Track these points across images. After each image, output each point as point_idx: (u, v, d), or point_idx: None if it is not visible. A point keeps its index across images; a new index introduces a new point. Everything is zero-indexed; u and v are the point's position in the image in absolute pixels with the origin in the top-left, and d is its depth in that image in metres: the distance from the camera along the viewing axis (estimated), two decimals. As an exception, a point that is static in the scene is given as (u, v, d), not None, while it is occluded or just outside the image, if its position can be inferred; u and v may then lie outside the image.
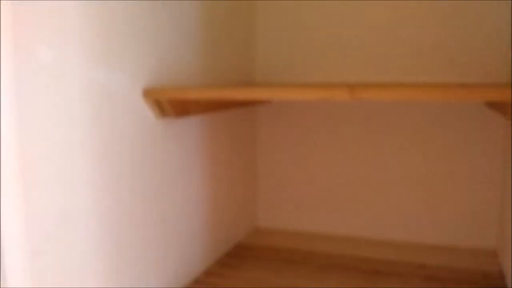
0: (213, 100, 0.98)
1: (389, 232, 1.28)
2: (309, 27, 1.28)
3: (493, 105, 1.08)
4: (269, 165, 1.38)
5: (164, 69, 0.93)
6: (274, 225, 1.40)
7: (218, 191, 1.17)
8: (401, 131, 1.24)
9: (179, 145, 1.00)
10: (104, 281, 0.77)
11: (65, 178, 0.68)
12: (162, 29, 0.92)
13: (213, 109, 1.04)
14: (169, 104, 0.88)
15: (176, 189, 0.98)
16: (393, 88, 0.73)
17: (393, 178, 1.27)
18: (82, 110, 0.71)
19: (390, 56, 1.22)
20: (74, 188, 0.70)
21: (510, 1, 1.10)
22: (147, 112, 0.88)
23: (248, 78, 1.31)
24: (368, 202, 1.30)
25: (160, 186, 0.93)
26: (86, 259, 0.73)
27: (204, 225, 1.11)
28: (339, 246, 1.24)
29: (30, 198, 0.63)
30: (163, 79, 0.92)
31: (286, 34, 1.31)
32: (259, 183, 1.40)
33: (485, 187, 1.19)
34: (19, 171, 0.61)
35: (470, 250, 1.20)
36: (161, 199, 0.93)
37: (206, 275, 1.08)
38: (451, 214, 1.23)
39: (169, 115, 0.90)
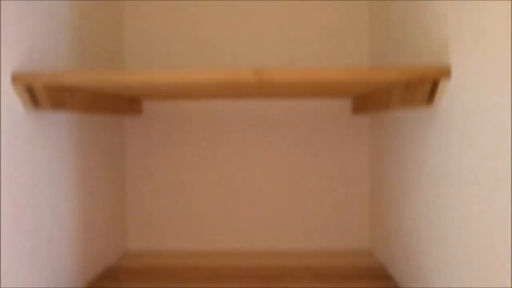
0: (94, 86, 0.88)
1: (269, 243, 1.27)
2: (181, 22, 1.26)
3: (358, 109, 1.16)
4: (139, 184, 1.29)
5: (36, 57, 0.81)
6: (147, 247, 1.29)
7: (88, 207, 1.04)
8: (271, 143, 1.26)
9: (51, 146, 0.87)
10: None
11: None
12: (32, 14, 0.81)
13: (89, 107, 0.93)
14: (44, 91, 0.77)
15: (43, 198, 0.85)
16: (299, 70, 0.73)
17: (268, 190, 1.27)
18: None
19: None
20: None
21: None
22: (16, 102, 0.75)
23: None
24: (245, 215, 1.28)
25: (25, 192, 0.79)
26: None
27: (73, 244, 0.97)
28: (223, 259, 1.19)
29: None
30: (34, 67, 0.81)
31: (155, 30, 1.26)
32: (128, 202, 1.29)
33: (355, 190, 1.26)
34: None
35: (349, 251, 1.24)
36: (26, 210, 0.80)
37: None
38: (326, 219, 1.27)
39: (43, 107, 0.78)
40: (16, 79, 0.74)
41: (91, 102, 0.94)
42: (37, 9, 0.82)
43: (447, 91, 0.71)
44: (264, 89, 0.89)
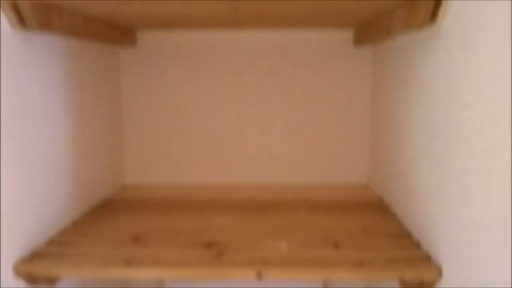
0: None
1: (266, 177, 1.27)
2: None
3: (360, 39, 1.12)
4: (135, 117, 1.27)
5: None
6: (144, 180, 1.29)
7: (83, 138, 1.03)
8: (269, 74, 1.23)
9: (42, 71, 0.85)
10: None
11: None
12: None
13: (80, 32, 0.90)
14: (31, 9, 0.73)
15: (37, 123, 0.83)
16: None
17: (266, 123, 1.25)
18: None
19: None
20: None
21: None
22: (2, 21, 0.72)
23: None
24: (242, 148, 1.27)
25: (18, 115, 0.77)
26: None
27: (69, 172, 0.97)
28: (219, 192, 1.19)
29: None
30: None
31: None
32: (125, 136, 1.28)
33: (355, 124, 1.24)
34: None
35: (347, 185, 1.24)
36: (20, 130, 0.78)
37: (74, 225, 0.95)
38: (324, 152, 1.26)
39: (30, 26, 0.75)
40: (0, -6, 0.70)
41: (82, 27, 0.91)
42: None
43: (451, 7, 0.68)
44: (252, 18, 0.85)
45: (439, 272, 0.71)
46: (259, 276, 0.72)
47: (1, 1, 0.71)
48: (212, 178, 1.28)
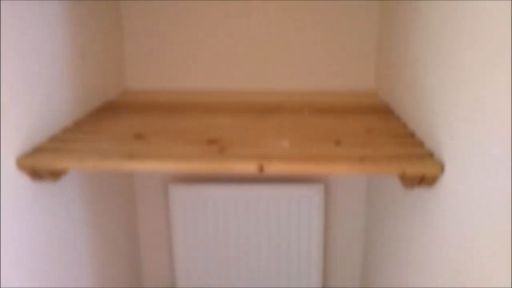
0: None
1: (271, 83, 1.25)
2: None
3: None
4: (136, 22, 1.22)
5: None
6: (146, 86, 1.27)
7: (84, 41, 1.01)
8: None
9: None
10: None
11: None
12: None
13: None
14: None
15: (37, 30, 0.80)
16: None
17: (271, 27, 1.21)
18: None
19: None
20: None
21: None
22: None
23: None
24: (246, 54, 1.23)
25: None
26: None
27: (70, 72, 0.95)
28: (222, 97, 1.17)
29: None
30: None
31: None
32: (126, 41, 1.24)
33: (361, 29, 1.20)
34: None
35: (353, 91, 1.22)
36: (20, 31, 0.75)
37: (76, 124, 0.95)
38: (330, 59, 1.22)
39: None
40: None
41: None
42: None
43: None
44: None
45: (441, 168, 0.71)
46: (261, 169, 0.72)
47: None
48: (215, 84, 1.25)
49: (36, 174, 0.78)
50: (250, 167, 0.72)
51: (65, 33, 0.92)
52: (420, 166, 0.72)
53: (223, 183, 1.28)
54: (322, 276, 1.35)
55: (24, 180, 0.77)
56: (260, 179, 1.30)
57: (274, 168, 0.72)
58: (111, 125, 0.94)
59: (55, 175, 0.80)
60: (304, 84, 1.24)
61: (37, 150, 0.79)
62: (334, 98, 1.16)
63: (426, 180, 0.72)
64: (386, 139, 0.84)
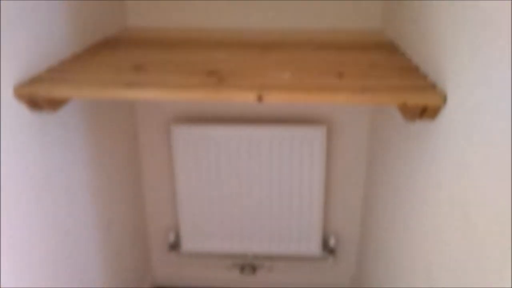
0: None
1: (274, 21, 1.21)
2: None
3: None
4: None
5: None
6: (147, 23, 1.24)
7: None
8: None
9: None
10: None
11: None
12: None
13: None
14: None
15: None
16: None
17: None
18: None
19: None
20: None
21: None
22: None
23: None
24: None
25: None
26: None
27: (69, 5, 0.92)
28: (225, 33, 1.15)
29: None
30: None
31: None
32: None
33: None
34: None
35: (358, 30, 1.18)
36: None
37: (74, 56, 0.93)
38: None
39: None
40: None
41: None
42: None
43: None
44: None
45: (443, 98, 0.69)
46: (260, 98, 0.71)
47: None
48: (217, 22, 1.22)
49: (33, 103, 0.77)
50: (249, 96, 0.71)
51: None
52: (422, 97, 0.70)
53: (225, 124, 1.27)
54: (322, 216, 1.36)
55: (22, 110, 0.77)
56: (262, 120, 1.29)
57: (273, 97, 0.71)
58: (110, 58, 0.93)
59: (53, 104, 0.79)
60: (309, 22, 1.20)
61: (35, 80, 0.78)
62: (339, 35, 1.13)
63: (428, 112, 0.71)
64: (389, 72, 0.82)
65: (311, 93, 0.71)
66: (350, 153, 1.35)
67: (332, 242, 1.41)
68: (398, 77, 0.79)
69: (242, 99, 0.71)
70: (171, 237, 1.45)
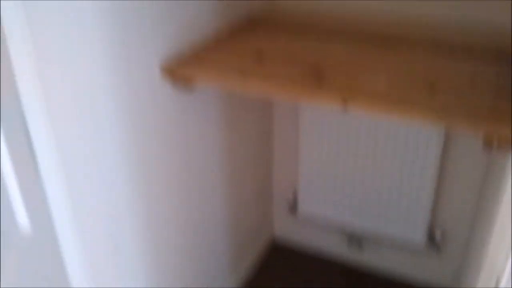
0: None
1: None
2: None
3: None
4: None
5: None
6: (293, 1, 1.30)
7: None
8: None
9: None
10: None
11: None
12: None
13: None
14: None
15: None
16: None
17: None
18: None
19: None
20: None
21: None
22: None
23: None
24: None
25: None
26: None
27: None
28: (348, 20, 1.21)
29: None
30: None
31: None
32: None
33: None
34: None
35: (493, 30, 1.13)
36: None
37: (217, 39, 1.09)
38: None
39: None
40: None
41: None
42: None
43: None
44: None
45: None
46: (345, 107, 0.79)
47: None
48: (354, 5, 1.24)
49: (175, 81, 0.96)
50: (334, 103, 0.79)
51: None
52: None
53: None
54: (431, 207, 1.37)
55: (166, 85, 0.96)
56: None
57: (357, 107, 0.78)
58: (240, 43, 1.06)
59: (189, 83, 0.97)
60: (440, 14, 1.16)
61: (176, 60, 0.96)
62: (465, 31, 1.10)
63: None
64: (487, 91, 0.82)
65: (391, 111, 0.76)
66: (467, 158, 1.31)
67: (438, 236, 1.43)
68: (494, 100, 0.79)
69: (327, 105, 0.81)
70: (291, 198, 1.60)
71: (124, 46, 0.83)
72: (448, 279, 1.52)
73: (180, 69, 0.94)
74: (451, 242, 1.46)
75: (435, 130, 1.26)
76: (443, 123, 0.74)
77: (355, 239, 1.57)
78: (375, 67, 0.93)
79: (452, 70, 0.91)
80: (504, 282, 0.56)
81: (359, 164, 1.41)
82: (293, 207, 1.60)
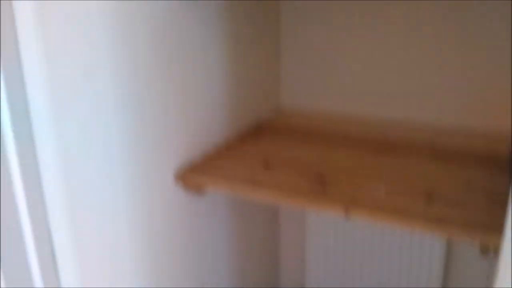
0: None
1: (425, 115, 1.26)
2: None
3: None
4: (293, 43, 1.35)
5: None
6: (298, 105, 1.39)
7: (239, 66, 1.19)
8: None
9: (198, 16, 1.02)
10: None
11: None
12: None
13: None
14: None
15: (195, 57, 1.02)
16: None
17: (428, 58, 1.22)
18: None
19: None
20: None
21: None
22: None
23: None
24: (399, 83, 1.26)
25: (177, 51, 0.97)
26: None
27: (224, 98, 1.15)
28: (352, 125, 1.27)
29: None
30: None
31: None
32: (283, 61, 1.38)
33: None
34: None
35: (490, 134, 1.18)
36: (180, 66, 0.98)
37: (227, 146, 1.16)
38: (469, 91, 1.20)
39: None
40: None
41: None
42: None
43: None
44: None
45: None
46: (347, 215, 0.83)
47: None
48: (362, 110, 1.32)
49: (186, 187, 1.02)
50: (337, 212, 0.84)
51: (224, 62, 1.12)
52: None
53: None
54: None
55: (179, 191, 1.02)
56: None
57: (359, 215, 0.83)
58: (248, 151, 1.13)
59: (201, 189, 1.03)
60: (436, 118, 1.23)
61: (189, 167, 1.03)
62: (463, 140, 1.15)
63: None
64: (483, 198, 0.86)
65: (390, 221, 0.81)
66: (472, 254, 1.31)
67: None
68: (491, 206, 0.82)
69: (330, 212, 0.85)
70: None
71: (141, 155, 0.91)
72: None
73: (192, 177, 1.00)
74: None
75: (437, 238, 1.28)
76: (440, 233, 0.78)
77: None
78: (375, 174, 0.98)
79: (448, 176, 0.96)
80: None
81: (365, 269, 1.42)
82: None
